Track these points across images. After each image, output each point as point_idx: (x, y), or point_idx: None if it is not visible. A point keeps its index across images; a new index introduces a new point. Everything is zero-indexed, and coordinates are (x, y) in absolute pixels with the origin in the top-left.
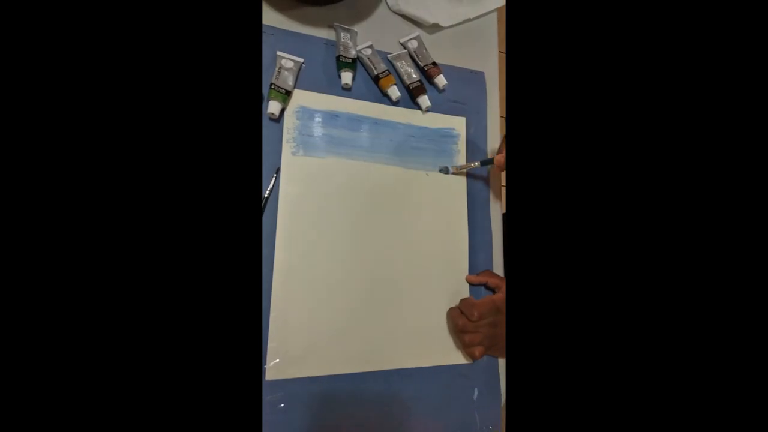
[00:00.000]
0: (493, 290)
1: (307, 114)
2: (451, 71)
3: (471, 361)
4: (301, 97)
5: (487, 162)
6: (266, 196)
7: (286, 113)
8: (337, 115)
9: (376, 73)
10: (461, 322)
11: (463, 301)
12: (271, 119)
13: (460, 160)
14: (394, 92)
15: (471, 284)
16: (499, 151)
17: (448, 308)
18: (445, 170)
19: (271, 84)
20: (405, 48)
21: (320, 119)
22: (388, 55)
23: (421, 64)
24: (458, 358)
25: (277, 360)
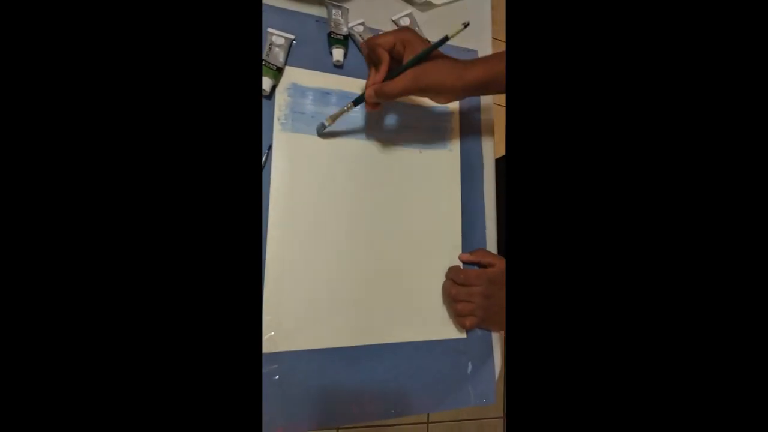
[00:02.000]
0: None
1: (299, 91)
2: (443, 49)
3: (464, 334)
4: (293, 75)
5: (359, 100)
6: None
7: (277, 90)
8: (329, 93)
9: None
10: (454, 290)
11: (450, 268)
12: (263, 96)
13: (454, 136)
14: None
15: (464, 263)
16: (371, 81)
17: (440, 284)
18: (321, 128)
19: (263, 60)
20: (397, 26)
21: (312, 97)
22: (381, 33)
23: None
24: (452, 332)
25: (272, 333)
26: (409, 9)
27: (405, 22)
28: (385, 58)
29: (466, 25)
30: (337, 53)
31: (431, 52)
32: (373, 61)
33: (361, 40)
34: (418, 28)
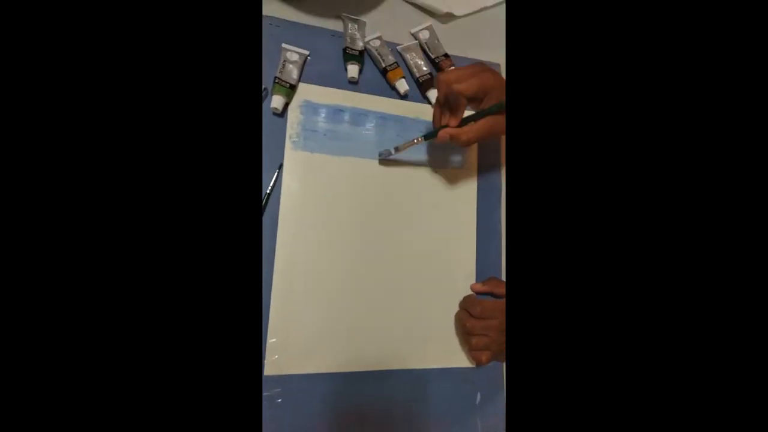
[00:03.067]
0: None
1: (311, 109)
2: (464, 63)
3: (475, 365)
4: (306, 91)
5: (430, 135)
6: (268, 192)
7: (290, 108)
8: (342, 110)
9: (384, 65)
10: (468, 323)
11: (465, 298)
12: (275, 114)
13: (472, 156)
14: (402, 85)
15: (477, 293)
16: (436, 122)
17: (452, 310)
18: (386, 153)
19: (275, 78)
20: (416, 39)
21: (325, 114)
22: (398, 47)
23: (433, 56)
24: (461, 361)
25: (276, 356)
26: (429, 21)
27: (424, 35)
28: (463, 105)
29: None
30: (352, 70)
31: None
32: (449, 105)
33: (379, 56)
34: (438, 41)
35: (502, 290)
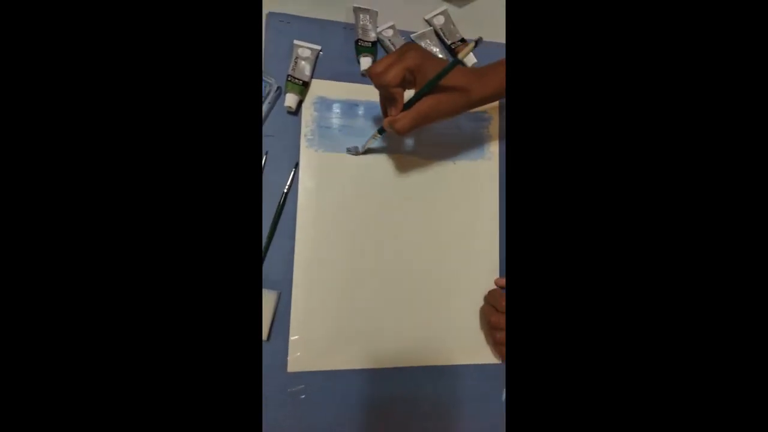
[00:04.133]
0: None
1: (325, 105)
2: (481, 48)
3: (501, 361)
4: (319, 87)
5: (381, 130)
6: (285, 191)
7: (303, 105)
8: (356, 105)
9: None
10: (493, 318)
11: (490, 292)
12: (289, 112)
13: (493, 146)
14: None
15: (501, 288)
16: (383, 114)
17: (476, 305)
18: (354, 150)
19: (288, 75)
20: (430, 25)
21: (339, 110)
22: (412, 35)
23: (448, 42)
24: (486, 357)
25: (299, 354)
26: (444, 6)
27: (439, 20)
28: (399, 94)
29: (478, 43)
30: (365, 62)
31: (442, 78)
32: (386, 98)
33: (392, 46)
34: (453, 26)
35: None
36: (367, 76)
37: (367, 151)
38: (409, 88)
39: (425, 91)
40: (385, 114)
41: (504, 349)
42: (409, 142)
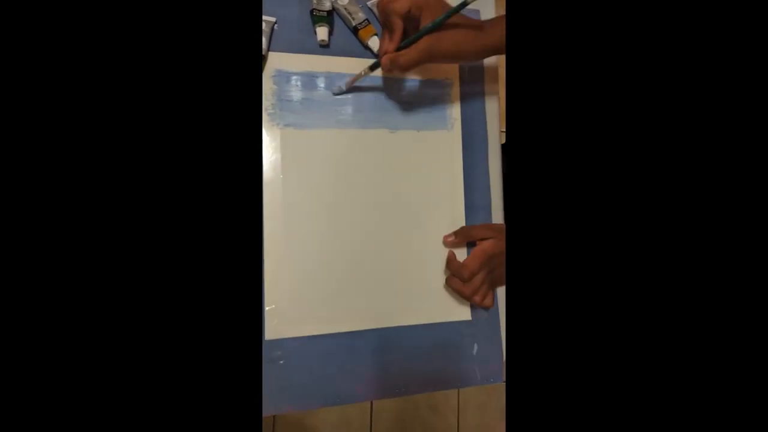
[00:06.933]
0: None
1: (284, 78)
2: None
3: (468, 317)
4: (277, 60)
5: (375, 65)
6: None
7: (262, 79)
8: (316, 76)
9: (354, 24)
10: (464, 289)
11: (450, 264)
12: None
13: (455, 111)
14: (375, 43)
15: (452, 248)
16: (384, 49)
17: (443, 265)
18: (337, 90)
19: None
20: None
21: (299, 82)
22: (368, 2)
23: None
24: (456, 315)
25: (276, 321)
26: None
27: None
28: (399, 25)
29: None
30: (321, 32)
31: (448, 19)
32: (386, 27)
33: (348, 15)
34: None
35: (475, 233)
36: (375, 10)
37: (329, 122)
38: (409, 28)
39: (430, 28)
40: (380, 53)
41: (484, 304)
42: (371, 108)
